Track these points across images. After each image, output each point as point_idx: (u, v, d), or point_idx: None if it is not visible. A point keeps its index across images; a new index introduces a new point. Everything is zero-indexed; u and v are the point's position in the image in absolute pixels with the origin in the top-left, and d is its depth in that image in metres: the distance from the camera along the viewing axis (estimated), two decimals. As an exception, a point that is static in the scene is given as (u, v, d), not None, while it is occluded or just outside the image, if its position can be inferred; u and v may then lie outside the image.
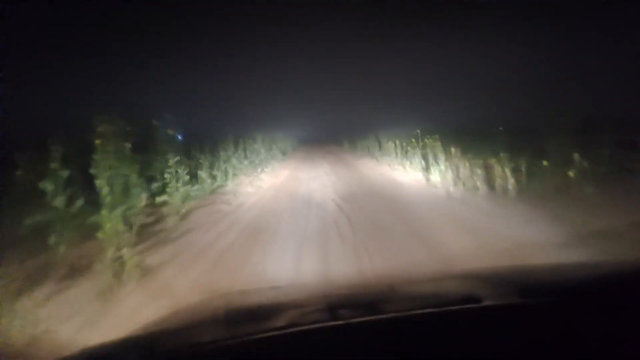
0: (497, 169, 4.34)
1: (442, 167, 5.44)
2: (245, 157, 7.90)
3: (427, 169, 6.13)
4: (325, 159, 10.59)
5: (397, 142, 8.19)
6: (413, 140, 7.07)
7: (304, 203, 4.67)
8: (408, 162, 7.23)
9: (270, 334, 0.67)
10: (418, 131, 7.12)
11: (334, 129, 19.30)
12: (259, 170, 7.55)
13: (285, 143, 13.66)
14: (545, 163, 4.06)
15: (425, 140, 6.45)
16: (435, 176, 5.60)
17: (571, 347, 0.60)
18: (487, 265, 1.58)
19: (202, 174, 5.45)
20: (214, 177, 5.86)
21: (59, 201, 2.50)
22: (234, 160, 7.01)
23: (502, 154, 4.34)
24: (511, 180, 4.17)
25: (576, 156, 3.78)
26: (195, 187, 5.01)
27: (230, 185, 6.20)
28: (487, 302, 0.71)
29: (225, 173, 6.38)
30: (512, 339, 0.63)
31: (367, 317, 0.69)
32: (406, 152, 7.44)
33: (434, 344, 0.63)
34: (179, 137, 6.28)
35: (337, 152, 13.30)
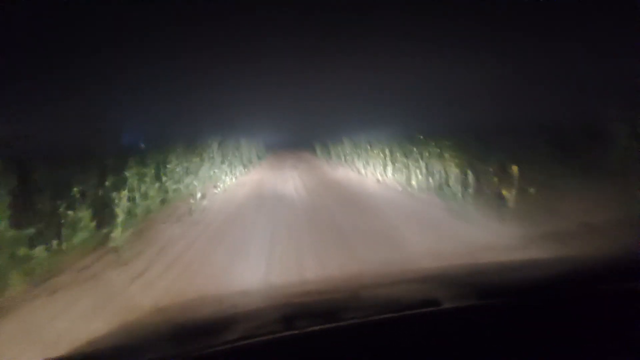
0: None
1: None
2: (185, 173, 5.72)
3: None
4: (297, 172, 8.78)
5: (385, 150, 7.00)
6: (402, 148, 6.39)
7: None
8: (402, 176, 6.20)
9: (221, 348, 0.62)
10: (421, 137, 6.01)
11: (307, 134, 18.11)
12: (198, 195, 5.25)
13: (250, 151, 11.67)
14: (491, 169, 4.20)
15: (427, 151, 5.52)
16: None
17: (529, 346, 0.61)
18: (442, 265, 1.63)
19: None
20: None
21: None
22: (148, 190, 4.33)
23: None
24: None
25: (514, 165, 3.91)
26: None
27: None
28: (445, 305, 0.71)
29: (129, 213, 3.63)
30: (472, 340, 0.63)
31: (324, 325, 0.66)
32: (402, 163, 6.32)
33: (394, 350, 0.62)
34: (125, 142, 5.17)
35: (311, 162, 11.61)
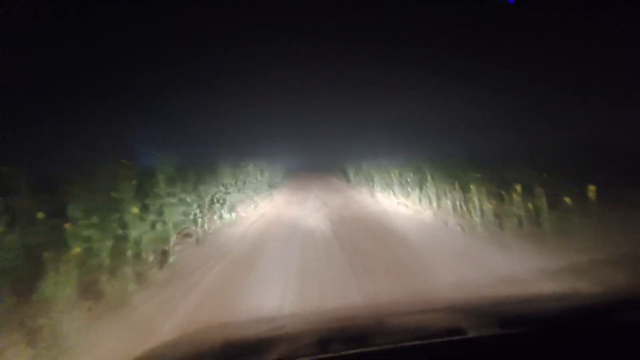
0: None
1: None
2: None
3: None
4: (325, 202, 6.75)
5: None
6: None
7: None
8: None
9: None
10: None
11: (331, 157, 17.64)
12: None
13: (271, 175, 10.04)
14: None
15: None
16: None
17: None
18: (469, 296, 1.63)
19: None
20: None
21: None
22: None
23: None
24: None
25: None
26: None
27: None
28: (471, 334, 0.75)
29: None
30: None
31: (355, 350, 0.72)
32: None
33: None
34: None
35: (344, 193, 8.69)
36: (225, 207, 5.28)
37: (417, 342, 0.74)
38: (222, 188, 5.71)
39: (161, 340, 1.04)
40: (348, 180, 11.30)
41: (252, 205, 6.49)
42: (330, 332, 0.91)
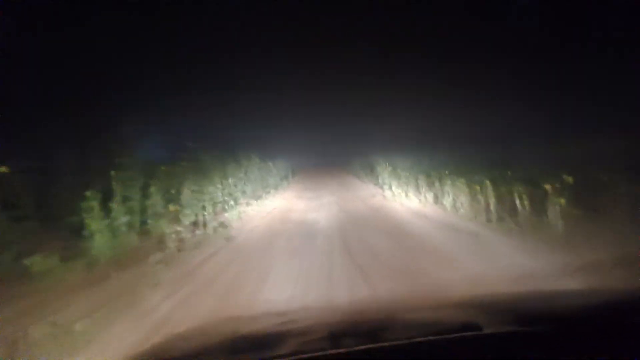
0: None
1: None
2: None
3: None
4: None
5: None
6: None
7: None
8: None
9: None
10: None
11: (343, 152, 17.34)
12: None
13: (278, 172, 10.17)
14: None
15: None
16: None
17: None
18: (483, 292, 1.60)
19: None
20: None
21: None
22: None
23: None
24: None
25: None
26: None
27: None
28: (486, 330, 0.73)
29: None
30: None
31: (368, 345, 0.70)
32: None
33: None
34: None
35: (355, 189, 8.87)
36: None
37: (430, 338, 0.72)
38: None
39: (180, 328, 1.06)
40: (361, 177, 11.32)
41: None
42: (342, 326, 0.90)
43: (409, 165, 7.86)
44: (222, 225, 4.73)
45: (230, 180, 6.08)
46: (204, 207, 4.69)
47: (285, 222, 5.12)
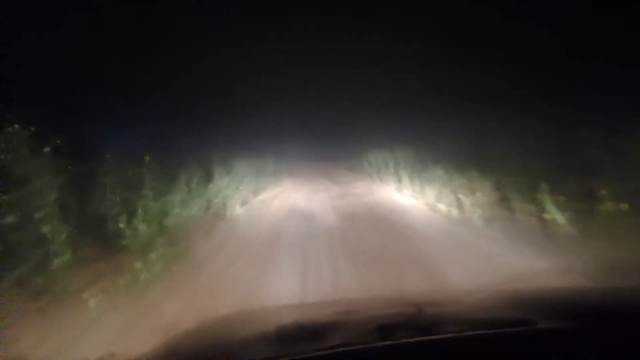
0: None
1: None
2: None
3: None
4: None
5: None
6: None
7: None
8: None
9: (324, 352, 0.66)
10: None
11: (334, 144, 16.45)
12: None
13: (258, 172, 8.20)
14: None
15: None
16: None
17: None
18: (531, 287, 1.59)
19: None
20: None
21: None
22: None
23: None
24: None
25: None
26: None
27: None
28: (540, 325, 0.71)
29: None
30: None
31: (421, 338, 0.68)
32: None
33: None
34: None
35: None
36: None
37: (482, 332, 0.70)
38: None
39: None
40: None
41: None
42: (394, 319, 0.87)
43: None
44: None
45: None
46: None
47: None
